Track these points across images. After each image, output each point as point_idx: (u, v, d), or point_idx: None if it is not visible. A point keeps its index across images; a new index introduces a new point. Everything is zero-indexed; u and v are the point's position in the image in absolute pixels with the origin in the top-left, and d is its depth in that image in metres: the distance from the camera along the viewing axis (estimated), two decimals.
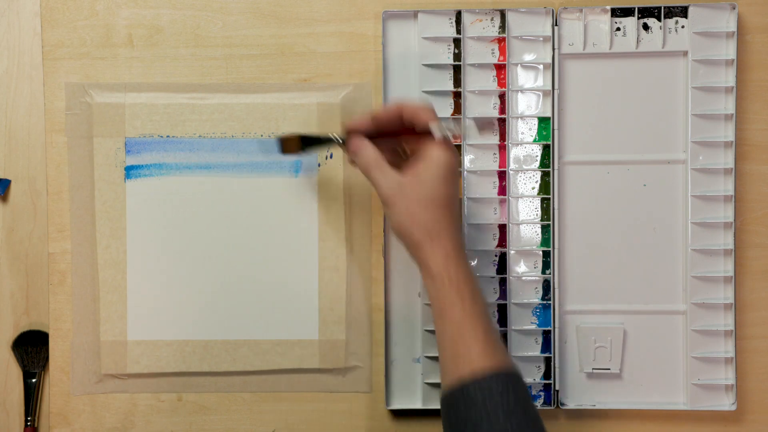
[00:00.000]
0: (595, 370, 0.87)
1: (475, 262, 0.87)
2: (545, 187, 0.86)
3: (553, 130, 0.86)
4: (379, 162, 0.76)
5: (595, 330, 0.87)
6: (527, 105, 0.87)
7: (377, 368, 0.87)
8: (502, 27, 0.86)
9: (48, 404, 0.89)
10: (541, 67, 0.86)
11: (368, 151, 0.77)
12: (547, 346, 0.87)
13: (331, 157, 0.87)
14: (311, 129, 0.86)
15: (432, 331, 0.87)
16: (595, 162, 0.87)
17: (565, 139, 0.87)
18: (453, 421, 0.72)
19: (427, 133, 0.75)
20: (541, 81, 0.86)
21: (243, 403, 0.88)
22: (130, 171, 0.87)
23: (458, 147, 0.85)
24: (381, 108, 0.79)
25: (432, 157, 0.75)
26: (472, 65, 0.86)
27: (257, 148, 0.86)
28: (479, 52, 0.86)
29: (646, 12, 0.86)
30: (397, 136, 0.78)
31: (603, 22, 0.86)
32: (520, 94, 0.87)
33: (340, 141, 0.79)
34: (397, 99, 0.78)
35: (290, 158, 0.86)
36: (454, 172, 0.75)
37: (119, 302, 0.87)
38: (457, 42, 0.86)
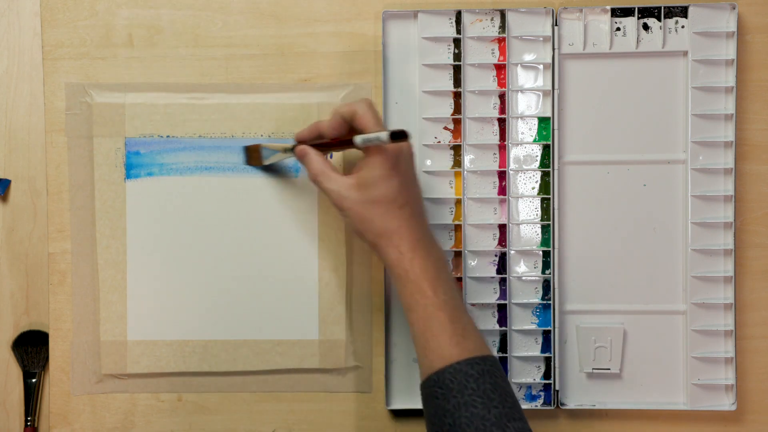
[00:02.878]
0: (595, 370, 0.87)
1: (475, 262, 0.87)
2: (545, 187, 0.86)
3: (553, 130, 0.86)
4: (324, 169, 0.77)
5: (595, 330, 0.87)
6: (527, 105, 0.87)
7: (377, 368, 0.87)
8: (502, 27, 0.86)
9: (48, 404, 0.89)
10: (541, 67, 0.86)
11: (313, 158, 0.78)
12: (547, 346, 0.87)
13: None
14: None
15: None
16: (595, 162, 0.87)
17: (565, 139, 0.87)
18: (432, 412, 0.72)
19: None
20: (541, 81, 0.86)
21: (243, 403, 0.88)
22: (130, 171, 0.87)
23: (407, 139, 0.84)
24: (327, 119, 0.79)
25: (371, 158, 0.75)
26: (472, 65, 0.86)
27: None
28: (479, 52, 0.86)
29: (646, 12, 0.86)
30: (349, 142, 0.76)
31: (603, 22, 0.86)
32: (520, 94, 0.87)
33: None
34: (342, 105, 0.77)
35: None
36: (397, 170, 0.75)
37: (119, 302, 0.87)
38: (457, 42, 0.86)
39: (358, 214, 0.75)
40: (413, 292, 0.74)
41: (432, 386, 0.72)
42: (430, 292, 0.74)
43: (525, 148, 0.87)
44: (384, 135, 0.72)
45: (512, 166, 0.87)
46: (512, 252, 0.87)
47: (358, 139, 0.74)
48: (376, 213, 0.75)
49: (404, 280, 0.75)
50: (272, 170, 0.87)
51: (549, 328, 0.86)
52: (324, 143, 0.79)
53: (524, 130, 0.87)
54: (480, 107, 0.87)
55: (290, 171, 0.87)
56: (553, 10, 0.85)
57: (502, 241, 0.87)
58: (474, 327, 0.75)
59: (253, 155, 0.86)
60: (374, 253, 0.77)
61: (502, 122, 0.86)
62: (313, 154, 0.78)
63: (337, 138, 0.78)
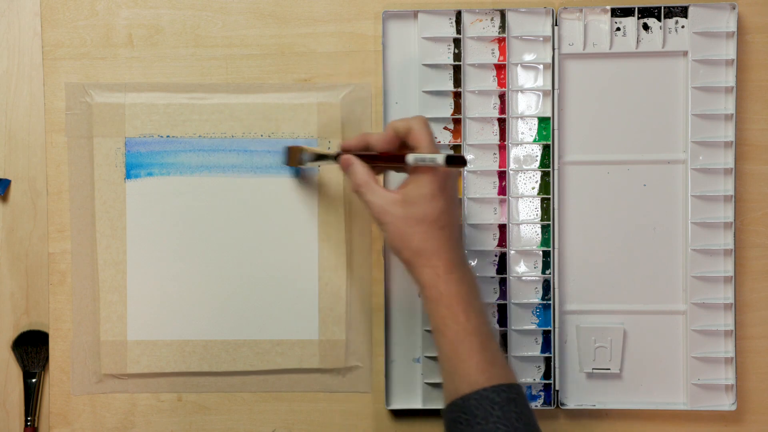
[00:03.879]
0: (595, 370, 0.87)
1: (475, 262, 0.87)
2: (545, 187, 0.86)
3: (553, 130, 0.86)
4: (369, 181, 0.76)
5: (595, 330, 0.87)
6: (527, 105, 0.87)
7: (377, 368, 0.87)
8: (502, 27, 0.86)
9: (48, 404, 0.89)
10: (541, 67, 0.86)
11: (357, 168, 0.77)
12: (547, 346, 0.87)
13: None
14: (311, 129, 0.87)
15: (431, 331, 0.87)
16: (595, 162, 0.87)
17: (565, 139, 0.87)
18: None
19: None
20: (541, 81, 0.86)
21: (243, 403, 0.88)
22: (130, 171, 0.87)
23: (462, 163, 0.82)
24: (380, 131, 0.78)
25: (420, 176, 0.74)
26: (472, 65, 0.86)
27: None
28: (479, 52, 0.86)
29: (646, 12, 0.86)
30: (400, 159, 0.75)
31: (603, 22, 0.86)
32: (520, 94, 0.87)
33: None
34: (398, 120, 0.76)
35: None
36: (444, 191, 0.74)
37: (119, 302, 0.87)
38: (457, 42, 0.86)
39: (398, 229, 0.74)
40: (445, 316, 0.73)
41: (456, 411, 0.71)
42: (462, 316, 0.73)
43: (525, 148, 0.87)
44: (440, 158, 0.71)
45: (512, 166, 0.87)
46: (512, 252, 0.87)
47: (411, 157, 0.73)
48: (417, 231, 0.74)
49: (437, 303, 0.74)
50: (272, 170, 0.87)
51: (549, 328, 0.86)
52: (371, 155, 0.77)
53: (524, 130, 0.87)
54: (480, 107, 0.87)
55: (290, 171, 0.87)
56: (553, 10, 0.85)
57: (502, 241, 0.87)
58: (502, 354, 0.75)
59: (293, 156, 0.84)
60: (408, 272, 0.76)
61: (502, 122, 0.86)
62: (358, 165, 0.76)
63: (386, 152, 0.77)
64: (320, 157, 0.83)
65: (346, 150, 0.79)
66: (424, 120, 0.75)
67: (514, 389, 0.72)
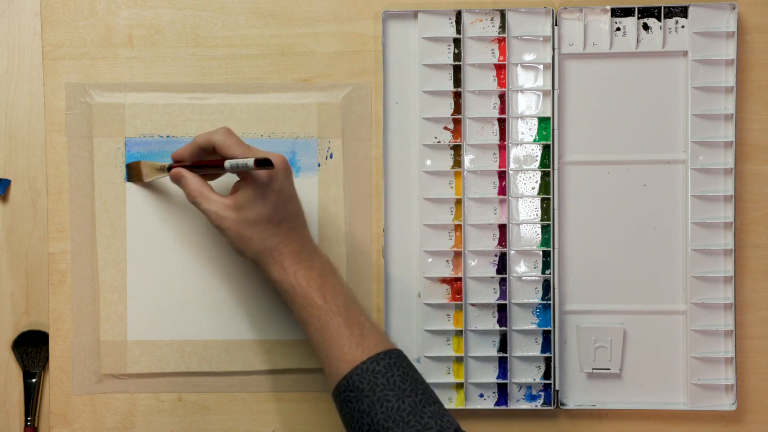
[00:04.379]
0: (595, 370, 0.87)
1: (475, 262, 0.87)
2: (545, 187, 0.86)
3: (553, 130, 0.86)
4: (202, 190, 0.77)
5: (595, 330, 0.87)
6: (527, 105, 0.87)
7: None
8: (502, 27, 0.86)
9: (48, 404, 0.89)
10: (541, 67, 0.86)
11: (189, 179, 0.78)
12: (547, 346, 0.87)
13: (331, 157, 0.87)
14: (311, 129, 0.87)
15: (431, 331, 0.87)
16: (595, 162, 0.87)
17: (565, 139, 0.87)
18: (349, 418, 0.73)
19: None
20: (541, 81, 0.86)
21: (243, 403, 0.88)
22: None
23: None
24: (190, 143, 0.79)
25: (246, 180, 0.75)
26: (472, 65, 0.86)
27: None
28: (479, 52, 0.86)
29: (646, 12, 0.86)
30: (221, 166, 0.76)
31: (603, 22, 0.86)
32: (520, 94, 0.87)
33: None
34: (200, 135, 0.77)
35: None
36: (270, 188, 0.75)
37: (119, 302, 0.87)
38: (457, 42, 0.86)
39: (237, 233, 0.76)
40: (304, 305, 0.75)
41: (343, 392, 0.73)
42: (320, 301, 0.75)
43: (525, 148, 0.87)
44: (250, 162, 0.72)
45: (512, 166, 0.87)
46: (512, 252, 0.87)
47: (227, 164, 0.74)
48: (255, 232, 0.75)
49: (292, 295, 0.76)
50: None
51: (549, 328, 0.86)
52: (198, 164, 0.78)
53: (524, 130, 0.87)
54: (480, 107, 0.87)
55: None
56: (553, 10, 0.85)
57: (502, 241, 0.87)
58: (372, 324, 0.76)
59: (134, 172, 0.85)
60: (259, 269, 0.78)
61: (502, 122, 0.86)
62: (189, 176, 0.78)
63: (211, 161, 0.78)
64: (157, 170, 0.83)
65: (176, 161, 0.80)
66: (226, 130, 0.77)
67: (392, 354, 0.74)
